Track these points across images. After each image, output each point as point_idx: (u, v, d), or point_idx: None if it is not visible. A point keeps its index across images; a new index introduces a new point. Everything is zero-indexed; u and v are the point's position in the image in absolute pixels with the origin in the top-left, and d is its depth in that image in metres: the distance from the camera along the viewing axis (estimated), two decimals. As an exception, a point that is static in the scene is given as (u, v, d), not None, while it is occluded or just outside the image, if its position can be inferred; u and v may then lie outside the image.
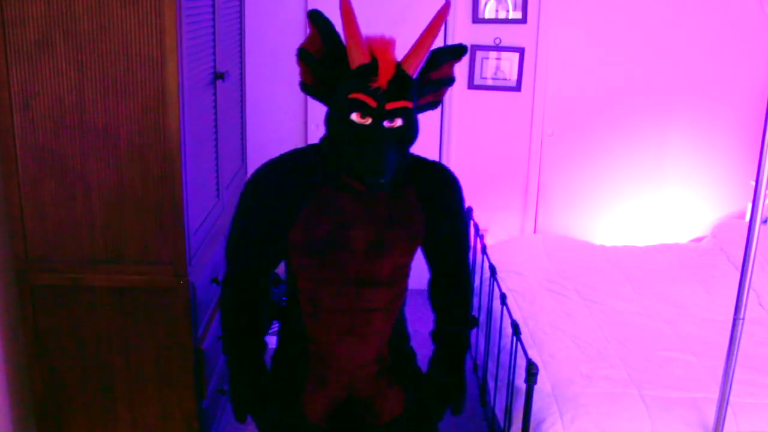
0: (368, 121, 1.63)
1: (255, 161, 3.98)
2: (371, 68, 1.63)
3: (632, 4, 4.06)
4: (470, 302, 2.00)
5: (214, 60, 2.69)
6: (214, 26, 2.66)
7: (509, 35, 4.09)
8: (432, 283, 2.00)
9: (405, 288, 1.91)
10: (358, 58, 1.64)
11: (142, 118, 2.23)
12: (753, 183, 2.58)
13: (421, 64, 1.71)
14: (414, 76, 1.69)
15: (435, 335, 1.99)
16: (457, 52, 1.79)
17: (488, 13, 4.06)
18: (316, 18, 1.67)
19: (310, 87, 1.72)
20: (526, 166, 4.32)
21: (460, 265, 1.96)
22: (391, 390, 1.93)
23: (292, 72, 4.18)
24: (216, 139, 2.78)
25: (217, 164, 2.81)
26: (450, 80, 1.81)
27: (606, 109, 4.22)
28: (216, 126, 2.77)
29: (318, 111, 4.21)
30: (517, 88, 4.16)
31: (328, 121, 1.71)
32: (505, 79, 4.15)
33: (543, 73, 4.14)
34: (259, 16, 4.04)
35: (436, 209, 1.84)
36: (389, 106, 1.63)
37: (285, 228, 1.75)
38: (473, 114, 4.24)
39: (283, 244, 1.78)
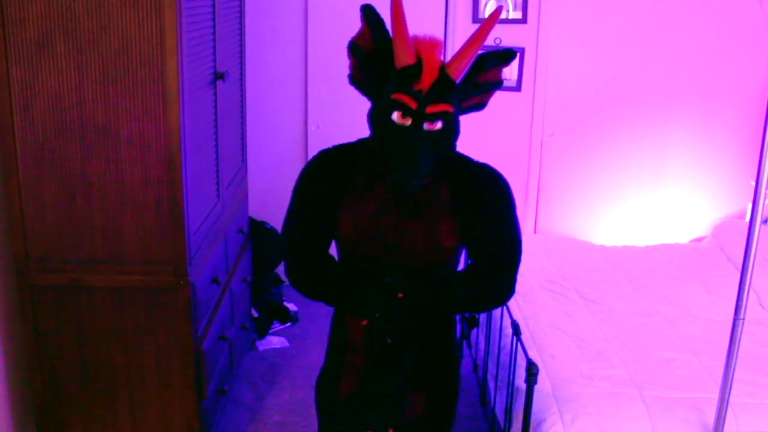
0: (408, 122, 1.66)
1: (255, 161, 4.02)
2: (415, 70, 1.66)
3: (632, 5, 4.06)
4: (495, 296, 1.88)
5: (214, 60, 2.69)
6: (214, 26, 2.66)
7: (509, 35, 4.09)
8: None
9: None
10: (403, 58, 1.67)
11: (142, 118, 2.23)
12: (753, 183, 2.58)
13: (467, 68, 1.72)
14: (458, 80, 1.71)
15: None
16: (504, 57, 1.78)
17: (488, 12, 4.06)
18: (368, 14, 1.71)
19: (357, 81, 1.77)
20: (526, 166, 4.32)
21: (505, 272, 1.86)
22: (414, 394, 1.90)
23: (292, 72, 4.21)
24: (216, 139, 2.78)
25: (217, 164, 2.81)
26: (498, 84, 1.82)
27: (606, 109, 4.22)
28: (216, 126, 2.77)
29: (318, 111, 4.20)
30: (517, 88, 4.16)
31: (371, 117, 1.74)
32: (505, 79, 4.15)
33: (543, 73, 4.14)
34: (259, 16, 4.04)
35: (473, 211, 1.81)
36: (429, 109, 1.66)
37: (331, 210, 1.80)
38: (473, 114, 4.23)
39: (331, 224, 1.82)
